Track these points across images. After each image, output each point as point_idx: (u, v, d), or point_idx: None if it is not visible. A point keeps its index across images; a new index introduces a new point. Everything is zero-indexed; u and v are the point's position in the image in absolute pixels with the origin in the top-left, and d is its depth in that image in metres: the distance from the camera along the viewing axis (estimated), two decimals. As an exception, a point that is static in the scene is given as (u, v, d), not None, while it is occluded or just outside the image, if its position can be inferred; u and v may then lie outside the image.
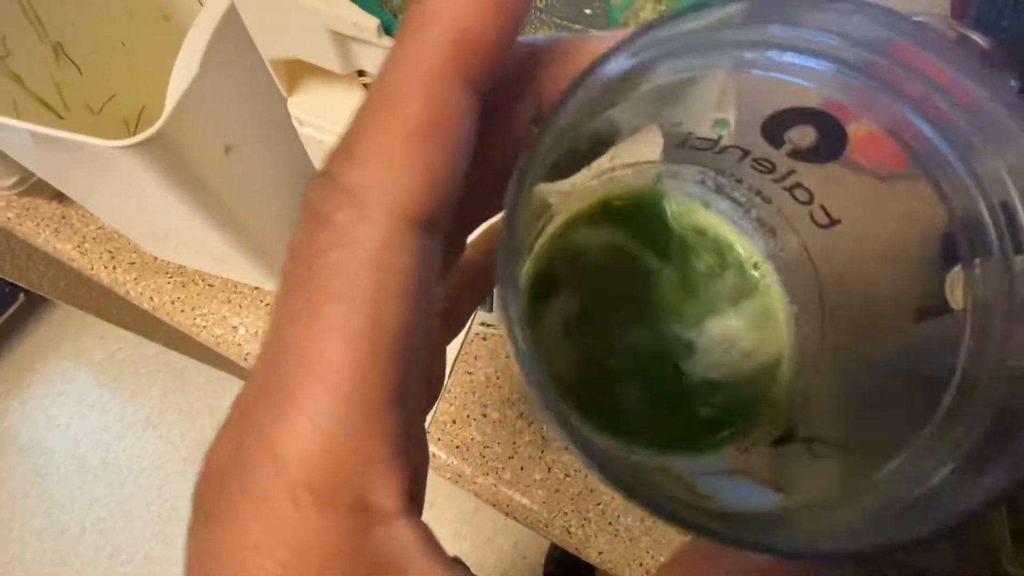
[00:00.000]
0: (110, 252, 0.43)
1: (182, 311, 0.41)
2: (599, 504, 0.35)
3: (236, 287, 0.42)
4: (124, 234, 0.43)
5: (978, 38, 0.48)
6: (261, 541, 0.08)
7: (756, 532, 0.09)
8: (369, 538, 0.08)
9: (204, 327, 0.41)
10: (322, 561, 0.08)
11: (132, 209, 0.35)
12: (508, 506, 0.36)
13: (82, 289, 0.66)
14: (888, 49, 0.09)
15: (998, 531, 0.20)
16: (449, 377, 0.39)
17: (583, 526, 0.34)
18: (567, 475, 0.35)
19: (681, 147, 0.13)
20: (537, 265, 0.14)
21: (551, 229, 0.14)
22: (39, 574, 1.02)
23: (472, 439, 0.37)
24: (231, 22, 0.27)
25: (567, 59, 0.09)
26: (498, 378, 0.39)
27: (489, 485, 0.36)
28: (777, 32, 0.09)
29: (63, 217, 0.45)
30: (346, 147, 0.08)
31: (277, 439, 0.08)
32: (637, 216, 0.15)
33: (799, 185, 0.12)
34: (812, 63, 0.09)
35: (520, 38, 0.08)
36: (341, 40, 0.20)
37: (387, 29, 0.19)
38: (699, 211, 0.15)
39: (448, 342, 0.14)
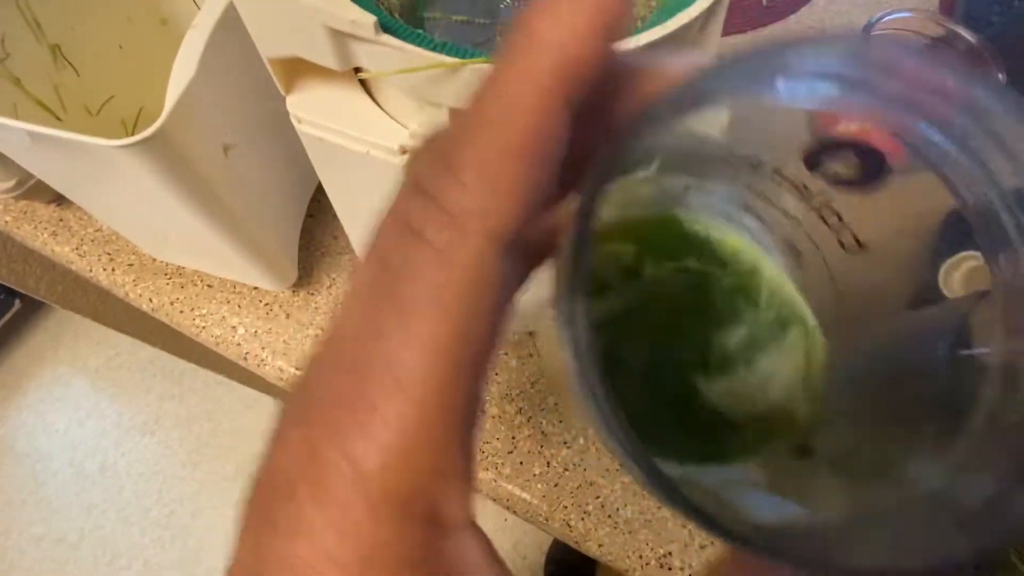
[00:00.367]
0: (108, 254, 0.44)
1: (181, 312, 0.41)
2: (598, 497, 0.35)
3: (235, 287, 0.42)
4: (123, 235, 0.43)
5: (966, 34, 0.49)
6: (335, 551, 0.08)
7: (809, 547, 0.09)
8: (440, 549, 0.08)
9: (203, 327, 0.41)
10: (393, 571, 0.08)
11: (131, 210, 0.35)
12: (508, 501, 0.36)
13: (80, 293, 0.66)
14: (892, 68, 0.09)
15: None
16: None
17: (583, 519, 0.34)
18: (566, 469, 0.36)
19: (713, 166, 0.13)
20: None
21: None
22: (37, 582, 1.02)
23: (472, 435, 0.37)
24: (229, 22, 0.27)
25: (642, 79, 0.10)
26: (496, 375, 0.39)
27: (489, 480, 0.36)
28: (794, 63, 0.09)
29: (61, 220, 0.45)
30: (446, 162, 0.08)
31: (360, 450, 0.08)
32: (662, 229, 0.15)
33: (829, 207, 0.12)
34: (828, 89, 0.10)
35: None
36: (339, 37, 0.20)
37: (385, 26, 0.19)
38: (726, 229, 0.15)
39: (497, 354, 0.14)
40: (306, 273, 0.43)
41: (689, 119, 0.10)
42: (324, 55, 0.21)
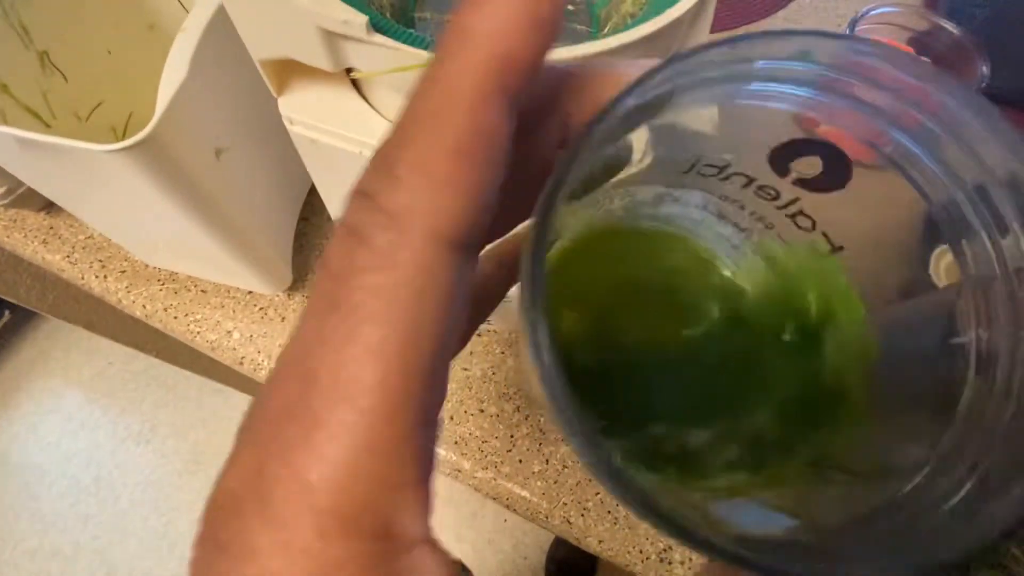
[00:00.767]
0: (100, 261, 0.43)
1: (175, 318, 0.41)
2: (598, 493, 0.35)
3: (229, 292, 0.42)
4: (115, 241, 0.43)
5: (951, 27, 0.49)
6: (283, 574, 0.07)
7: (783, 557, 0.09)
8: (392, 566, 0.08)
9: (198, 333, 0.41)
10: None
11: (122, 215, 0.35)
12: (508, 499, 0.36)
13: (71, 301, 0.65)
14: (855, 68, 0.09)
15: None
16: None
17: (583, 515, 0.34)
18: (565, 466, 0.36)
19: (687, 173, 0.13)
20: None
21: (556, 249, 0.14)
22: (33, 595, 1.01)
23: (470, 434, 0.37)
24: (219, 24, 0.27)
25: (595, 85, 0.10)
26: (494, 374, 0.39)
27: (488, 479, 0.36)
28: (760, 65, 0.09)
29: (51, 228, 0.45)
30: (385, 164, 0.08)
31: (305, 465, 0.07)
32: (637, 239, 0.15)
33: (801, 212, 0.12)
34: (789, 89, 0.10)
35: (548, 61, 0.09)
36: (330, 38, 0.20)
37: (376, 26, 0.19)
38: (692, 240, 0.15)
39: (452, 358, 0.14)
40: (301, 276, 0.42)
41: (650, 123, 0.10)
42: (316, 56, 0.21)
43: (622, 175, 0.12)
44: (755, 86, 0.10)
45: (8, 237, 0.44)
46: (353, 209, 0.08)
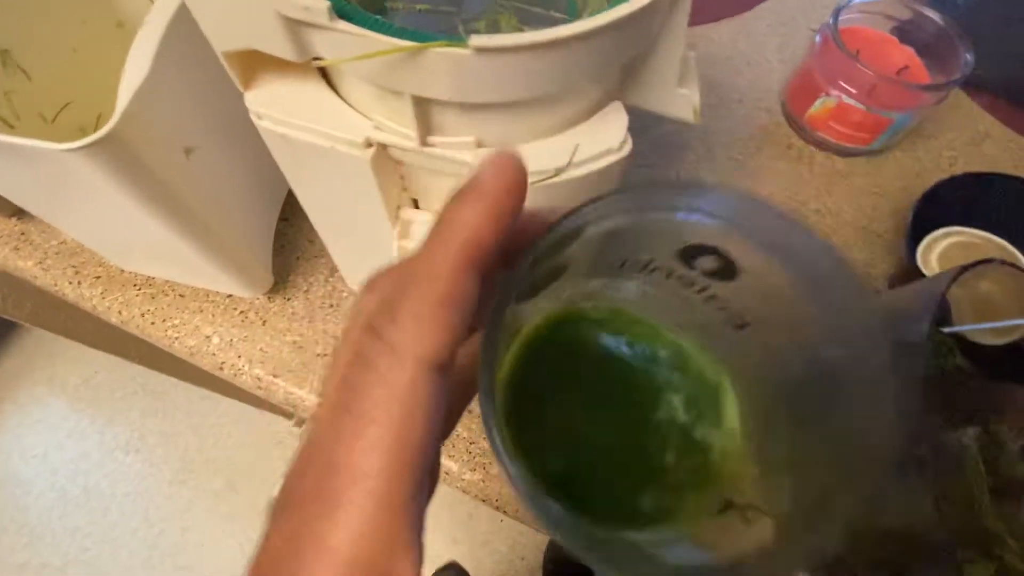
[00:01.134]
0: (74, 267, 0.42)
1: (152, 323, 0.40)
2: (588, 492, 0.34)
3: (208, 296, 0.41)
4: (87, 246, 0.42)
5: (933, 16, 0.49)
6: None
7: None
8: None
9: (176, 338, 0.40)
10: None
11: (93, 219, 0.33)
12: (498, 501, 0.35)
13: (49, 309, 0.63)
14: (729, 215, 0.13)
15: (977, 487, 0.20)
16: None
17: (573, 516, 0.34)
18: (555, 466, 0.35)
19: (619, 269, 0.16)
20: (511, 368, 0.17)
21: (518, 340, 0.17)
22: (21, 610, 0.99)
23: (458, 436, 0.36)
24: (185, 18, 0.26)
25: (530, 225, 0.13)
26: (481, 373, 0.38)
27: (477, 481, 0.35)
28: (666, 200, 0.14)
29: (22, 234, 0.43)
30: (389, 308, 0.11)
31: (328, 532, 0.10)
32: (586, 322, 0.18)
33: (714, 297, 0.16)
34: (694, 216, 0.14)
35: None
36: (293, 26, 0.19)
37: (339, 12, 0.18)
38: (633, 316, 0.18)
39: (444, 439, 0.17)
40: (282, 278, 0.41)
41: (576, 242, 0.13)
42: (279, 46, 0.20)
43: (565, 278, 0.16)
44: (679, 213, 0.13)
45: (-22, 244, 0.43)
46: (365, 340, 0.11)
